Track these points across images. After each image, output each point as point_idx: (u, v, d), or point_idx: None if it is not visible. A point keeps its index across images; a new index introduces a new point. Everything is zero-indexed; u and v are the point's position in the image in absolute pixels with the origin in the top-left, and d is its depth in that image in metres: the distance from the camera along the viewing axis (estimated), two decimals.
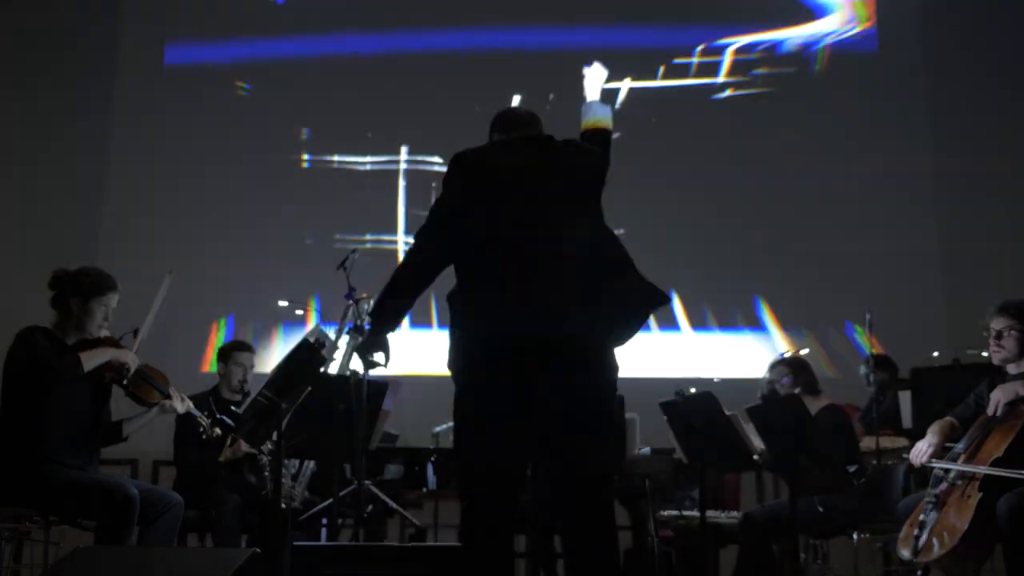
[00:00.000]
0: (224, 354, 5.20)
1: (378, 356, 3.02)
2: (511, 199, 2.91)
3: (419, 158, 7.71)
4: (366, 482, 4.64)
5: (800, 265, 7.45)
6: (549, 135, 3.10)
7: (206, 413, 4.50)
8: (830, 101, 7.74)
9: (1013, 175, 7.50)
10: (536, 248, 2.86)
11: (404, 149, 7.78)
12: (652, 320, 3.23)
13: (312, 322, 6.79)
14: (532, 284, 2.83)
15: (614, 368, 2.90)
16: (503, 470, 2.83)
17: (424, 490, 5.25)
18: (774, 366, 5.02)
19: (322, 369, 4.06)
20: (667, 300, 2.97)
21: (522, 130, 3.10)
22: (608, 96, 3.41)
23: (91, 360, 3.98)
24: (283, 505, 4.52)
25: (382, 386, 4.59)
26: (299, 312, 4.62)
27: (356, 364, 4.76)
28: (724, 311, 7.46)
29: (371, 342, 3.02)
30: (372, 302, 3.04)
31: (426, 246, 2.97)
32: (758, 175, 7.56)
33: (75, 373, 3.95)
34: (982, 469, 3.77)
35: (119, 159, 7.69)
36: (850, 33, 7.85)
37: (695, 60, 7.86)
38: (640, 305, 2.94)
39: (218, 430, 4.38)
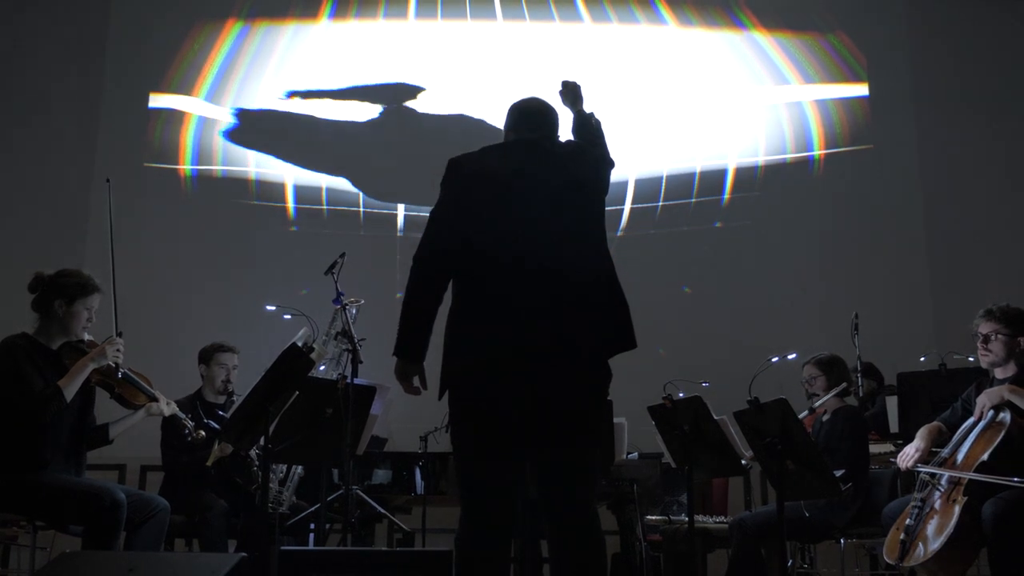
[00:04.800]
0: (205, 356, 5.15)
1: (415, 382, 2.95)
2: (503, 205, 2.91)
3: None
4: (354, 487, 4.64)
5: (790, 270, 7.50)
6: (549, 138, 3.08)
7: (190, 416, 4.49)
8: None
9: (999, 179, 7.54)
10: (527, 255, 2.86)
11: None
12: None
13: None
14: (523, 289, 2.84)
15: (605, 373, 2.91)
16: (498, 473, 2.84)
17: (412, 495, 5.24)
18: (804, 365, 4.89)
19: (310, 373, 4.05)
20: (632, 347, 2.93)
21: (530, 130, 3.08)
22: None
23: (72, 384, 3.95)
24: (271, 510, 4.51)
25: (370, 390, 4.58)
26: (287, 316, 4.59)
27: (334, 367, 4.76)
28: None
29: (406, 370, 2.93)
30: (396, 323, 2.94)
31: (430, 257, 2.92)
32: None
33: (60, 407, 3.93)
34: (967, 474, 3.78)
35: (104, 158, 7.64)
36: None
37: None
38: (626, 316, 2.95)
39: (203, 432, 4.36)
